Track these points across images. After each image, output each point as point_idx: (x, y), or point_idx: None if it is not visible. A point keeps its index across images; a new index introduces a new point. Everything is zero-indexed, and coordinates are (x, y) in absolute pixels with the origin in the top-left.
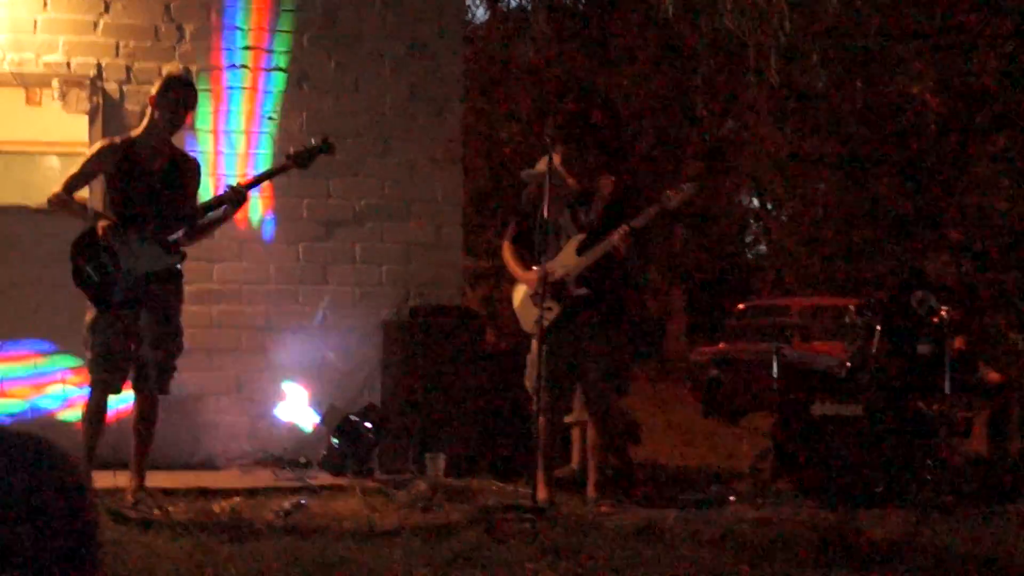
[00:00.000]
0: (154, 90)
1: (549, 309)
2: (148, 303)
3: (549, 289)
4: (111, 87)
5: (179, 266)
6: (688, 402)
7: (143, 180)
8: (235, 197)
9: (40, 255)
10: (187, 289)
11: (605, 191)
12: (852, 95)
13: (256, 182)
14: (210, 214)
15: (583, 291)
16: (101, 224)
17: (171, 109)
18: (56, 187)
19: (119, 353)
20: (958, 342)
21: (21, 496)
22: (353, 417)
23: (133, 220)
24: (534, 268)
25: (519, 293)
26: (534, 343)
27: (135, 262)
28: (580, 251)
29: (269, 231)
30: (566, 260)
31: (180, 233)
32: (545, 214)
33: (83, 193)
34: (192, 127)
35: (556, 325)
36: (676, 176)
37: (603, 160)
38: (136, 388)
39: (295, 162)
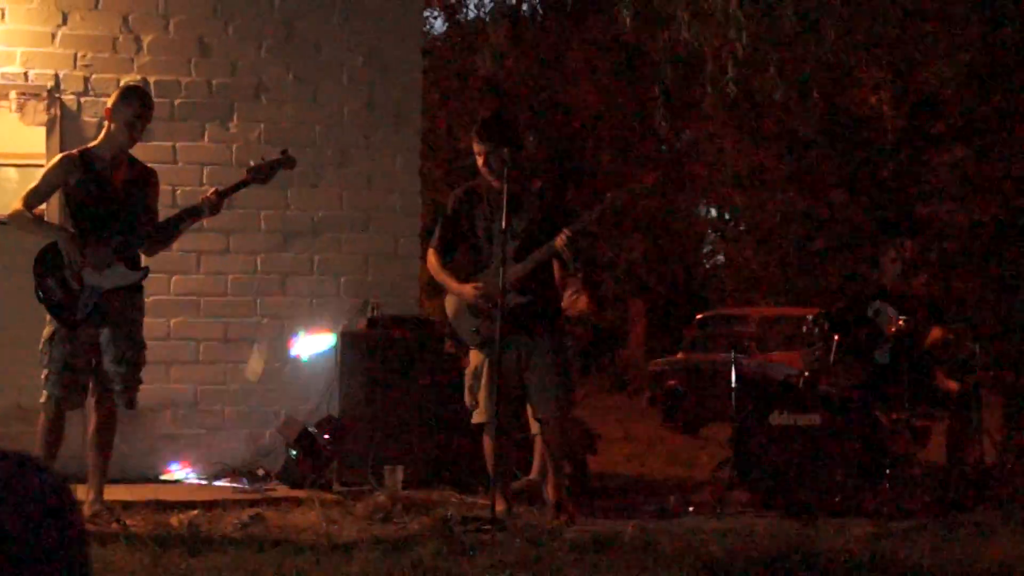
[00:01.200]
0: (110, 103)
1: (491, 320)
2: (111, 318)
3: (488, 302)
4: (69, 99)
5: (142, 281)
6: (647, 412)
7: (104, 193)
8: (211, 208)
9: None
10: (144, 301)
11: (535, 193)
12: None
13: (226, 194)
14: (177, 226)
15: (522, 299)
16: (64, 239)
17: (128, 123)
18: (16, 203)
19: (79, 369)
20: (936, 332)
21: (10, 518)
22: (311, 429)
23: (95, 234)
24: (471, 282)
25: (452, 303)
26: (472, 355)
27: (98, 278)
28: (517, 258)
29: (226, 242)
30: (501, 270)
31: (146, 245)
32: (503, 224)
33: (40, 207)
34: (149, 139)
35: (498, 336)
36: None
37: (528, 161)
38: (97, 402)
39: (255, 177)
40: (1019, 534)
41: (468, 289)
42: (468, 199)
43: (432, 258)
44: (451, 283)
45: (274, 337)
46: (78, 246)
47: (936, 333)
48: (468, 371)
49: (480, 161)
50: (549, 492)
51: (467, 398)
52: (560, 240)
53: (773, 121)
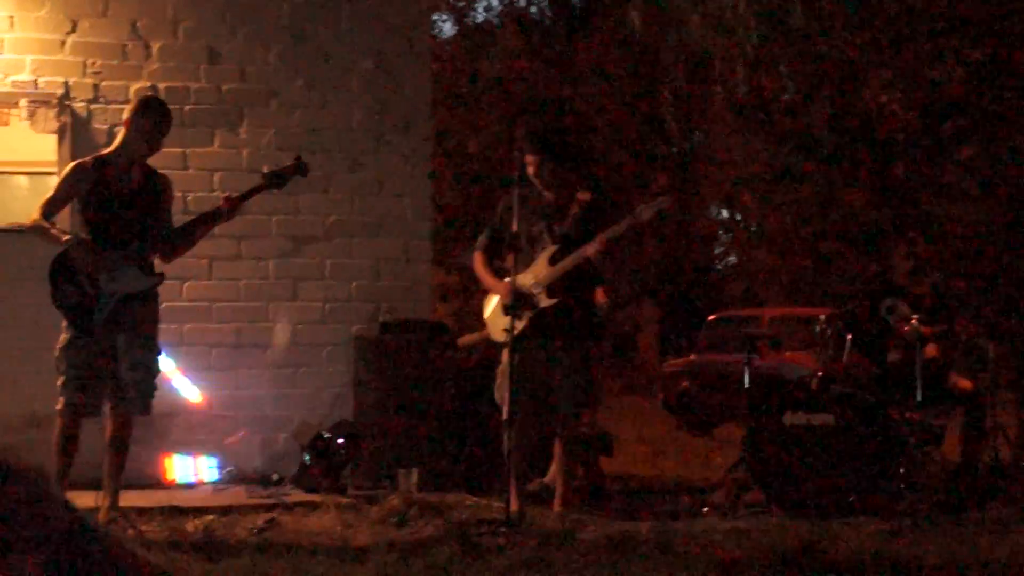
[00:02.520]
0: (128, 112)
1: (519, 319)
2: (126, 325)
3: (520, 301)
4: (79, 106)
5: (157, 287)
6: (660, 414)
7: (119, 200)
8: (228, 212)
9: (10, 274)
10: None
11: (580, 203)
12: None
13: (242, 199)
14: (192, 231)
15: (552, 301)
16: (78, 248)
17: (147, 135)
18: (33, 213)
19: (95, 375)
20: (930, 350)
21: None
22: (325, 434)
23: (110, 241)
24: (506, 279)
25: (490, 303)
26: (504, 354)
27: (114, 284)
28: (552, 262)
29: (238, 248)
30: (537, 271)
31: (168, 249)
32: (514, 227)
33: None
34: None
35: (525, 336)
36: (644, 188)
37: (576, 172)
38: (112, 409)
39: (270, 183)
40: None
41: (503, 286)
42: (513, 205)
43: (477, 257)
44: (488, 279)
45: (287, 342)
46: (92, 253)
47: (931, 351)
48: (499, 370)
49: (530, 171)
50: (558, 495)
51: (496, 396)
52: (592, 248)
53: (783, 121)
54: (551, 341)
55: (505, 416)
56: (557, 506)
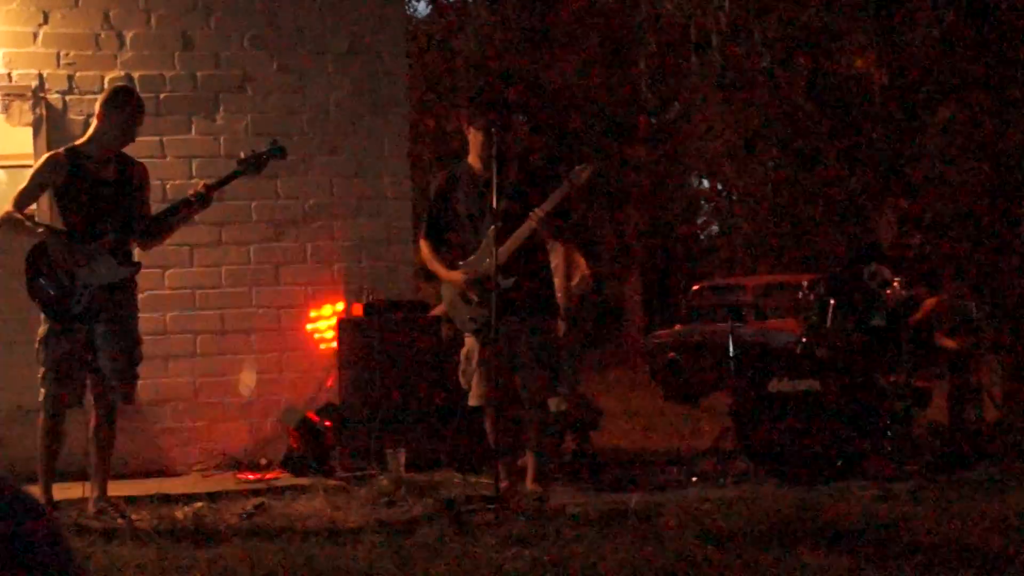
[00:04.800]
0: (99, 103)
1: (483, 305)
2: (104, 314)
3: (478, 287)
4: (54, 98)
5: (135, 276)
6: (647, 386)
7: (94, 190)
8: (201, 202)
9: None
10: (139, 297)
11: (511, 176)
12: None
13: (217, 186)
14: (171, 219)
15: (509, 281)
16: (52, 240)
17: (121, 124)
18: (6, 205)
19: (75, 366)
20: (929, 302)
21: None
22: (312, 416)
23: (86, 231)
24: (460, 265)
25: (448, 292)
26: (467, 339)
27: (90, 275)
28: (499, 241)
29: (219, 235)
30: (487, 254)
31: (142, 239)
32: (494, 204)
33: (31, 207)
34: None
35: (489, 319)
36: (623, 162)
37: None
38: (96, 399)
39: (245, 169)
40: (1021, 491)
41: (457, 276)
42: (449, 183)
43: (424, 246)
44: (441, 271)
45: (270, 327)
46: (66, 245)
47: (931, 303)
48: (462, 354)
49: (473, 140)
50: (529, 474)
51: (461, 380)
52: (533, 218)
53: (760, 88)
54: (513, 321)
55: (472, 401)
56: (529, 484)
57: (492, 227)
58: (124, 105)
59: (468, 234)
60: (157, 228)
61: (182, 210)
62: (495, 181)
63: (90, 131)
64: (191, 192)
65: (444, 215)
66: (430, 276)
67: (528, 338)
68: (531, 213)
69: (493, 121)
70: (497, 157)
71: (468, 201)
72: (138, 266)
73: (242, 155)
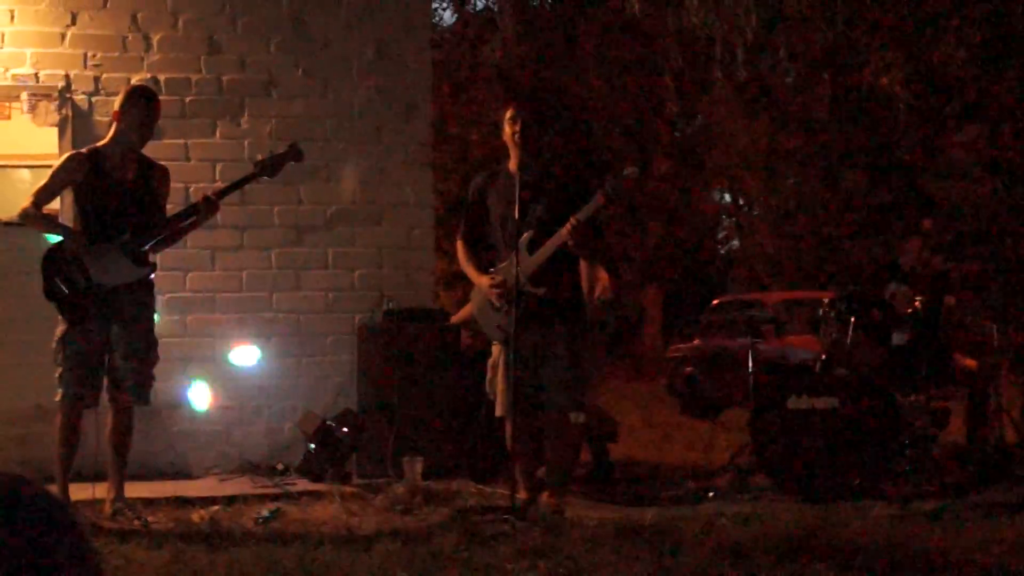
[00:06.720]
0: (118, 103)
1: (508, 313)
2: (120, 315)
3: (506, 294)
4: (80, 99)
5: (151, 276)
6: (665, 399)
7: (113, 191)
8: (207, 208)
9: (10, 267)
10: (159, 299)
11: (553, 184)
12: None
13: (227, 191)
14: (177, 225)
15: (540, 291)
16: (68, 239)
17: (137, 125)
18: (25, 201)
19: (91, 366)
20: (948, 300)
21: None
22: (330, 423)
23: (104, 231)
24: (491, 271)
25: (477, 297)
26: (494, 347)
27: (105, 275)
28: (531, 249)
29: (240, 238)
30: (520, 260)
31: (151, 244)
32: (516, 214)
33: (53, 205)
34: (161, 137)
35: (516, 326)
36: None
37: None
38: (111, 399)
39: (262, 171)
40: None
41: (485, 281)
42: (486, 185)
43: (460, 247)
44: (473, 274)
45: (290, 332)
46: (82, 244)
47: (950, 300)
48: (489, 363)
49: (513, 137)
50: (546, 485)
51: (488, 389)
52: (565, 230)
53: (784, 104)
54: (542, 331)
55: (498, 411)
56: (546, 496)
57: (524, 234)
58: (139, 104)
59: (497, 239)
60: (165, 233)
61: (184, 218)
62: (518, 186)
63: (110, 132)
64: (201, 199)
65: (481, 217)
66: (449, 285)
67: (554, 349)
68: (570, 219)
69: (530, 123)
70: (535, 163)
71: (503, 206)
72: (153, 267)
73: (259, 157)
